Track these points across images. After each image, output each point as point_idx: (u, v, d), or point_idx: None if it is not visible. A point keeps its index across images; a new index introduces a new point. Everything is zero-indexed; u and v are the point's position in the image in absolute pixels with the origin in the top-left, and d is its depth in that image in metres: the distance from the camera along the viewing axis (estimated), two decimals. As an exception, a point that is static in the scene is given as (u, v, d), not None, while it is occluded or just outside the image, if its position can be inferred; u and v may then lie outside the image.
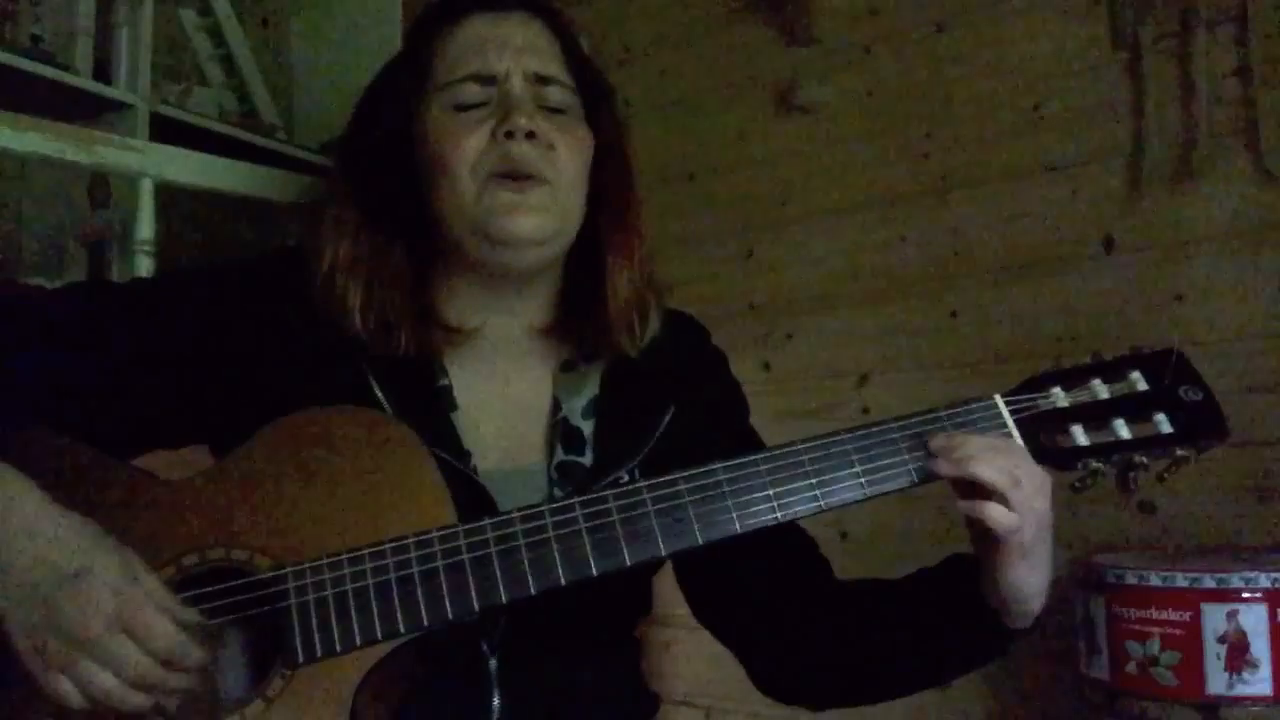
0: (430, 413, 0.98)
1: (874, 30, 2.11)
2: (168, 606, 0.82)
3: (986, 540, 0.86)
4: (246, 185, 1.99)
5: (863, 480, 0.89)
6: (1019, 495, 0.84)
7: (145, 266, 1.78)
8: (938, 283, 2.01)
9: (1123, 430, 0.90)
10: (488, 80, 1.00)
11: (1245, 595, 1.35)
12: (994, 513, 0.84)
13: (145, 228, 1.79)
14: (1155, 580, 1.41)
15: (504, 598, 0.85)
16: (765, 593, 1.04)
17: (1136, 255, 1.80)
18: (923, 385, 2.01)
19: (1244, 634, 1.35)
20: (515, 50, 1.01)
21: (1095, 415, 0.91)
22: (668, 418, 1.04)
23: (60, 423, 0.94)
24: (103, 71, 1.97)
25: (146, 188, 1.80)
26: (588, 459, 1.01)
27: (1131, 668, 1.43)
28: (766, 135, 2.25)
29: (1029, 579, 0.87)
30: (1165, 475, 0.91)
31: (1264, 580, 1.35)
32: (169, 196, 1.94)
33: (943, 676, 1.00)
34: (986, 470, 0.84)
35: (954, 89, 2.01)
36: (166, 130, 2.01)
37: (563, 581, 0.85)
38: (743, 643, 1.09)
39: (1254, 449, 1.66)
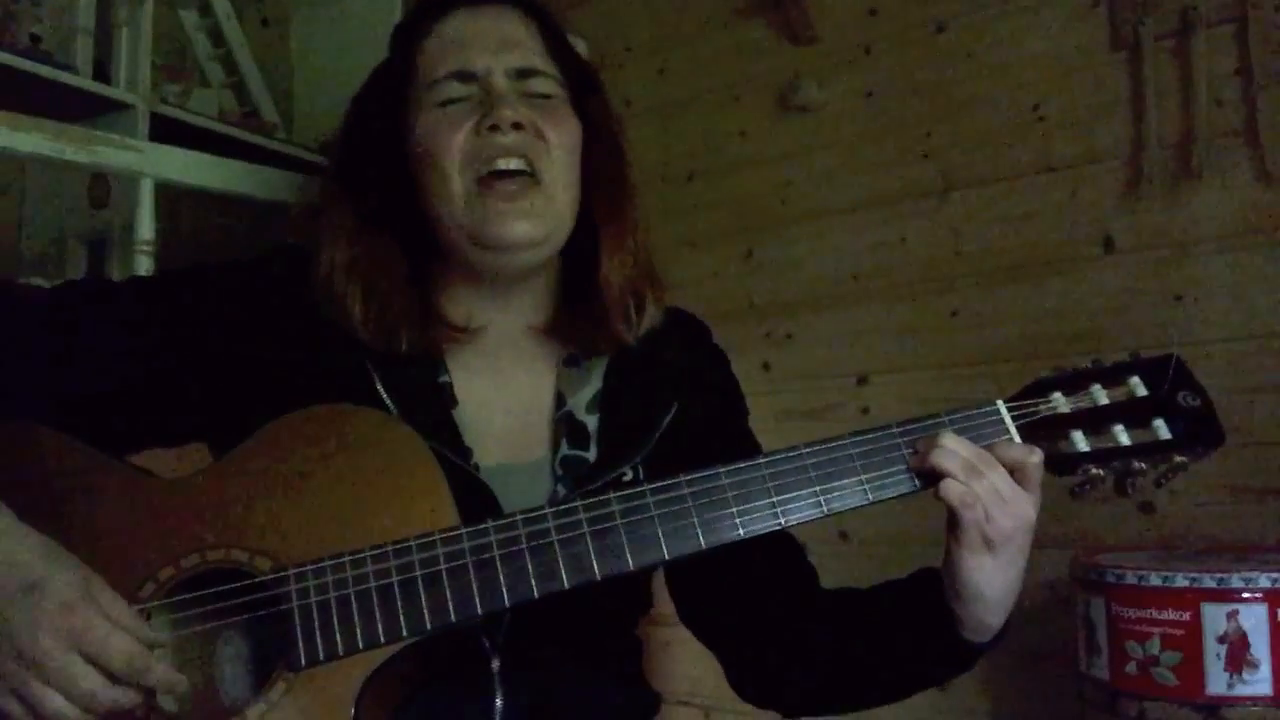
0: (431, 409, 0.98)
1: (874, 30, 2.11)
2: (126, 624, 0.80)
3: (952, 529, 0.87)
4: (246, 185, 1.99)
5: (866, 486, 0.88)
6: (978, 484, 0.85)
7: (145, 266, 1.78)
8: (938, 283, 2.00)
9: (1122, 436, 0.90)
10: (469, 77, 1.00)
11: (1245, 595, 1.35)
12: (948, 487, 0.86)
13: (145, 228, 1.79)
14: (1155, 580, 1.41)
15: (507, 600, 0.84)
16: (748, 597, 1.04)
17: (1136, 255, 1.80)
18: (923, 385, 2.00)
19: (1244, 634, 1.35)
20: (495, 46, 1.01)
21: (1095, 421, 0.91)
22: (671, 414, 1.04)
23: (59, 420, 0.93)
24: (102, 71, 1.96)
25: (146, 188, 1.80)
26: (592, 454, 1.01)
27: (1131, 668, 1.42)
28: (766, 135, 2.24)
29: (994, 578, 0.87)
30: (1162, 481, 0.91)
31: (1264, 580, 1.35)
32: (169, 196, 1.93)
33: (904, 688, 0.99)
34: (945, 459, 0.86)
35: (954, 89, 2.01)
36: (166, 130, 2.01)
37: (566, 585, 0.85)
38: (722, 644, 1.09)
39: (1254, 449, 1.66)
